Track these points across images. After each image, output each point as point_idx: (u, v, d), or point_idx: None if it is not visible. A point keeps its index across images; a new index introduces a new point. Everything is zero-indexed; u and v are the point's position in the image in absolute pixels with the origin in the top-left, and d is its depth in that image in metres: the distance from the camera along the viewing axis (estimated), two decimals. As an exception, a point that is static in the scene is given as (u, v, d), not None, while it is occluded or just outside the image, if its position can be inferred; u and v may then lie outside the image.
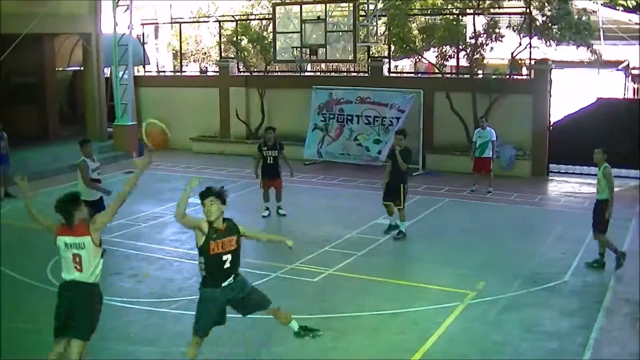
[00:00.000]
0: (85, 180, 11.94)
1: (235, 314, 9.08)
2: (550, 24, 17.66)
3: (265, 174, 14.13)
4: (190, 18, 26.95)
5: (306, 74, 22.42)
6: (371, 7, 18.41)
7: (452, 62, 19.80)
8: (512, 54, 18.28)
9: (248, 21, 22.94)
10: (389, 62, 20.98)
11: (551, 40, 17.82)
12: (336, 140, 19.49)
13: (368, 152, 18.84)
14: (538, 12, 17.83)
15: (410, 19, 19.84)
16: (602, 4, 26.71)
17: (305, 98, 20.08)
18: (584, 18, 17.78)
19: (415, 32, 19.73)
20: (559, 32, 17.54)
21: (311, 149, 19.71)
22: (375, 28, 19.36)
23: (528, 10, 17.95)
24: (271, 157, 14.06)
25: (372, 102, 19.07)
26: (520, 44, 18.03)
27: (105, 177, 18.57)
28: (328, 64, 22.06)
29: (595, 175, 17.45)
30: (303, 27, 18.15)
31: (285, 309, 9.42)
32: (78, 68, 24.42)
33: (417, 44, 19.45)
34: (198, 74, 26.52)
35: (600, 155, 11.23)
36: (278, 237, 8.37)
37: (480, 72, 19.15)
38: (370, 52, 21.15)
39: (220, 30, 23.27)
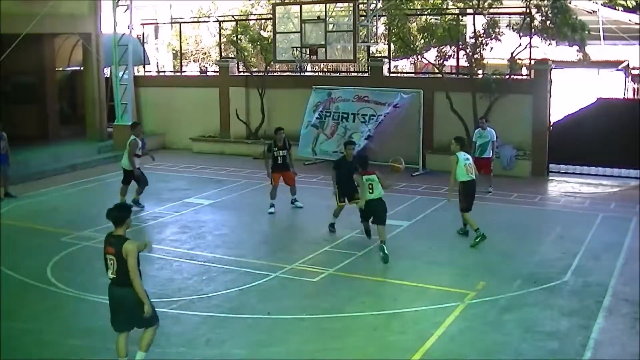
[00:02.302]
0: (130, 156, 14.53)
1: (235, 314, 9.09)
2: (548, 23, 17.63)
3: (275, 170, 14.55)
4: (190, 18, 26.95)
5: (306, 74, 22.42)
6: (371, 7, 18.40)
7: (452, 62, 19.80)
8: (512, 54, 18.27)
9: (248, 21, 22.94)
10: (389, 62, 20.97)
11: (550, 40, 17.80)
12: (331, 138, 19.48)
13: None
14: (536, 10, 17.80)
15: (410, 19, 19.83)
16: (602, 4, 26.74)
17: (305, 98, 20.07)
18: (577, 18, 17.75)
19: (415, 32, 19.72)
20: (556, 31, 17.50)
21: (306, 147, 19.68)
22: (375, 28, 19.35)
23: (528, 10, 17.95)
24: (281, 157, 14.51)
25: (370, 101, 19.05)
26: (520, 44, 18.02)
27: (105, 177, 18.72)
28: (328, 64, 22.04)
29: (595, 175, 17.62)
30: (303, 27, 18.13)
31: (285, 309, 9.48)
32: (78, 68, 24.41)
33: (417, 44, 19.45)
34: (198, 74, 26.53)
35: (454, 145, 12.41)
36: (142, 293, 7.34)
37: (480, 72, 19.14)
38: (370, 52, 21.15)
39: (220, 30, 23.28)
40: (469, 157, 12.50)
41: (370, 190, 11.52)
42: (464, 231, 12.65)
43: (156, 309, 9.30)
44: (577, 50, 17.85)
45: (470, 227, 12.32)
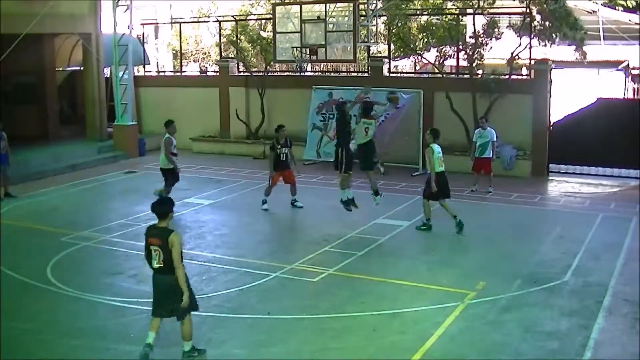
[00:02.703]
0: (167, 153, 14.56)
1: (235, 314, 9.10)
2: (547, 23, 17.63)
3: (277, 168, 14.67)
4: (190, 18, 26.94)
5: (306, 74, 22.43)
6: (371, 7, 18.40)
7: (452, 62, 19.79)
8: (512, 54, 18.28)
9: (247, 21, 22.93)
10: (389, 62, 20.97)
11: (549, 40, 17.80)
12: (334, 140, 19.45)
13: None
14: (536, 10, 17.81)
15: (410, 19, 19.83)
16: (602, 4, 26.75)
17: (305, 98, 20.07)
18: (574, 17, 17.75)
19: (415, 32, 19.72)
20: (556, 31, 17.51)
21: (311, 150, 19.73)
22: (375, 28, 19.35)
23: (528, 10, 17.95)
24: (284, 154, 14.70)
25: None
26: (520, 44, 18.02)
27: (105, 177, 18.73)
28: (328, 64, 22.04)
29: (595, 175, 17.63)
30: (303, 27, 18.13)
31: (285, 309, 9.49)
32: (78, 68, 24.41)
33: (417, 44, 19.45)
34: (198, 74, 26.52)
35: (429, 136, 13.13)
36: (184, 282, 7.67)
37: (480, 72, 19.15)
38: (370, 52, 21.15)
39: (220, 30, 23.28)
40: (440, 149, 12.96)
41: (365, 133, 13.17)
42: (458, 223, 12.80)
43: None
44: (575, 49, 17.85)
45: (424, 213, 13.03)
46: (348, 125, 13.76)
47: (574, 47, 17.85)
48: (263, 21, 22.86)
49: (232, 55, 23.02)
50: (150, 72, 25.74)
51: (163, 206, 7.84)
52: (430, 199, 12.96)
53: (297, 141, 19.99)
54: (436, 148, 12.81)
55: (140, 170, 19.56)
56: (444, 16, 19.50)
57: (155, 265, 7.68)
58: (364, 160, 13.53)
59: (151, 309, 7.95)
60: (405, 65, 25.12)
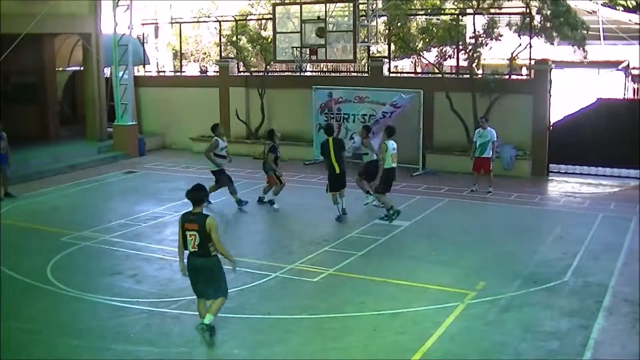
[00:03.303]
0: (207, 152, 14.69)
1: (235, 314, 9.10)
2: (547, 23, 17.64)
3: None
4: (190, 18, 26.94)
5: (306, 74, 22.42)
6: (371, 7, 18.40)
7: (452, 62, 19.79)
8: (512, 53, 18.28)
9: (247, 21, 22.93)
10: (389, 62, 20.97)
11: (550, 40, 17.81)
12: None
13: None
14: (536, 11, 17.81)
15: (410, 19, 19.83)
16: (602, 4, 26.76)
17: (305, 98, 20.07)
18: (574, 16, 17.75)
19: (415, 32, 19.72)
20: (556, 30, 17.52)
21: (318, 150, 19.71)
22: (375, 28, 19.35)
23: (528, 10, 17.95)
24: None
25: (370, 102, 19.07)
26: (520, 44, 18.03)
27: (105, 177, 18.73)
28: (328, 64, 22.04)
29: (595, 175, 17.63)
30: (303, 27, 18.13)
31: (285, 309, 9.49)
32: (78, 68, 24.42)
33: (417, 44, 19.45)
34: (198, 74, 26.52)
35: (384, 134, 13.91)
36: (229, 256, 8.33)
37: (480, 72, 19.14)
38: (370, 52, 21.15)
39: (220, 30, 23.27)
40: (395, 146, 13.75)
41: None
42: (394, 213, 13.48)
43: (156, 309, 9.39)
44: (577, 48, 17.84)
45: (385, 205, 13.60)
46: (342, 150, 14.00)
47: (575, 47, 17.82)
48: (263, 21, 22.87)
49: (232, 55, 23.02)
50: (150, 72, 25.74)
51: (197, 193, 8.26)
52: (384, 192, 13.66)
53: (298, 141, 20.05)
54: (390, 145, 13.60)
55: (140, 170, 19.56)
56: (444, 16, 19.48)
57: (191, 249, 8.16)
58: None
59: (193, 292, 8.46)
60: (405, 65, 25.12)
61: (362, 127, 14.96)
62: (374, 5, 18.48)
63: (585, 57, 18.25)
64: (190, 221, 8.16)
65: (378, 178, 13.79)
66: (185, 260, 8.32)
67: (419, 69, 24.90)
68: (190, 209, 8.25)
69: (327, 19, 17.96)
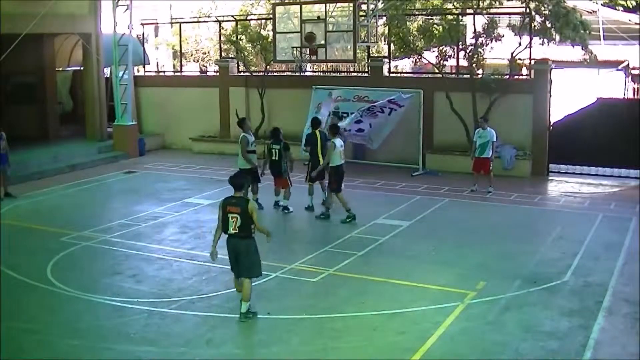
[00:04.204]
0: (243, 153, 14.20)
1: (235, 314, 9.11)
2: (548, 23, 17.63)
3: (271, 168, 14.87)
4: (190, 18, 26.94)
5: (306, 74, 22.41)
6: (371, 7, 18.39)
7: (452, 62, 19.79)
8: (512, 54, 18.28)
9: (247, 21, 22.92)
10: (389, 62, 20.97)
11: (550, 40, 17.81)
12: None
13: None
14: (536, 11, 17.80)
15: (410, 19, 19.81)
16: (602, 4, 26.76)
17: (305, 98, 20.06)
18: (577, 17, 17.75)
19: (415, 32, 19.71)
20: (557, 31, 17.51)
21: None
22: (375, 28, 19.34)
23: (528, 10, 17.95)
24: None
25: (369, 101, 19.04)
26: (520, 44, 18.02)
27: (105, 177, 18.72)
28: (328, 64, 22.03)
29: (595, 175, 17.62)
30: (303, 27, 18.13)
31: (285, 309, 9.49)
32: (78, 68, 24.42)
33: (417, 44, 19.45)
34: (198, 74, 26.51)
35: (329, 132, 14.07)
36: (267, 231, 9.21)
37: (480, 72, 19.14)
38: (370, 52, 21.14)
39: (220, 30, 23.27)
40: (343, 143, 14.05)
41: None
42: (327, 215, 13.88)
43: (156, 309, 9.39)
44: (582, 49, 17.83)
45: (342, 206, 13.70)
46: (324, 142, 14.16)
47: (580, 47, 17.81)
48: (263, 21, 22.86)
49: (232, 55, 23.02)
50: (150, 72, 25.74)
51: (240, 179, 9.06)
52: (338, 191, 13.81)
53: (298, 141, 19.96)
54: (337, 142, 13.78)
55: (140, 170, 19.56)
56: (444, 16, 19.48)
57: (231, 231, 8.81)
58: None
59: (232, 272, 9.12)
60: (405, 65, 25.11)
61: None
62: (374, 5, 18.47)
63: (590, 59, 18.20)
64: (232, 204, 8.80)
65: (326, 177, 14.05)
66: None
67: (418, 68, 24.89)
68: (230, 194, 8.92)
69: (327, 19, 17.94)
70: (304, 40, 17.69)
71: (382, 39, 21.50)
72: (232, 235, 8.85)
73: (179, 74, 25.10)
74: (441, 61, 19.08)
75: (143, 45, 24.44)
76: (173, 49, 28.07)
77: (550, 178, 17.90)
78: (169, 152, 22.57)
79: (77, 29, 21.60)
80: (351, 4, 17.74)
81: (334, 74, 22.55)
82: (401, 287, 10.26)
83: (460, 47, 18.83)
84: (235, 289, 9.27)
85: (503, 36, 18.15)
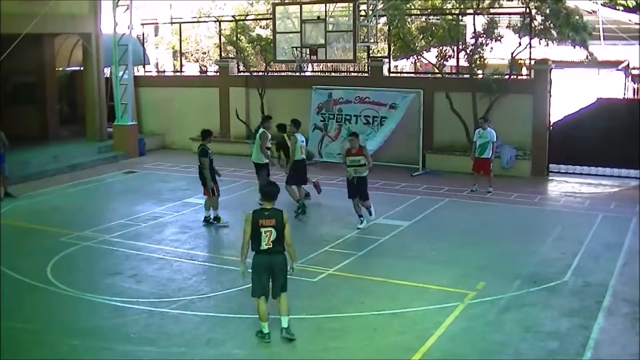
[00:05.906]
0: (262, 148, 14.48)
1: (235, 314, 9.11)
2: (548, 23, 17.64)
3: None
4: (190, 18, 26.94)
5: (306, 74, 22.41)
6: (371, 7, 18.39)
7: (452, 62, 19.79)
8: (512, 54, 18.28)
9: (247, 21, 22.92)
10: (389, 62, 20.96)
11: (550, 40, 17.81)
12: (335, 141, 19.55)
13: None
14: (536, 11, 17.81)
15: (410, 19, 19.81)
16: (602, 4, 26.75)
17: (305, 98, 20.07)
18: (578, 17, 17.75)
19: (415, 32, 19.71)
20: (557, 31, 17.51)
21: (313, 150, 19.74)
22: (375, 28, 19.34)
23: (528, 10, 17.94)
24: None
25: (371, 102, 19.09)
26: (520, 44, 18.02)
27: (105, 177, 18.72)
28: (328, 64, 22.04)
29: (595, 175, 17.62)
30: (303, 27, 18.13)
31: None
32: (78, 68, 24.41)
33: (417, 44, 19.45)
34: (198, 74, 26.50)
35: (290, 127, 14.38)
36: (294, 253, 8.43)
37: (480, 72, 19.14)
38: (370, 52, 21.14)
39: (220, 30, 23.27)
40: (304, 139, 14.49)
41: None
42: (303, 211, 13.98)
43: (156, 309, 9.39)
44: (583, 50, 17.84)
45: (293, 197, 14.00)
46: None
47: (581, 48, 17.83)
48: (263, 21, 22.85)
49: (232, 55, 23.02)
50: (150, 72, 25.73)
51: (274, 187, 8.28)
52: (296, 185, 14.16)
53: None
54: (299, 137, 14.18)
55: (140, 170, 19.56)
56: (444, 16, 19.48)
57: (265, 247, 8.01)
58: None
59: (254, 292, 8.24)
60: (405, 65, 25.11)
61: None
62: (374, 5, 18.47)
63: (594, 60, 18.21)
64: (266, 217, 8.04)
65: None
66: (250, 260, 8.17)
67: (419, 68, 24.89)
68: (255, 208, 8.24)
69: (327, 18, 17.94)
70: (308, 51, 17.75)
71: (382, 39, 21.47)
72: (265, 251, 8.07)
73: (179, 74, 25.10)
74: (441, 61, 19.09)
75: (143, 46, 24.44)
76: (173, 49, 28.05)
77: (550, 178, 17.90)
78: (169, 152, 22.56)
79: (77, 29, 21.60)
80: (351, 4, 17.74)
81: (334, 74, 22.56)
82: (401, 287, 10.26)
83: (461, 47, 18.83)
84: (258, 316, 8.37)
85: (503, 36, 18.16)
